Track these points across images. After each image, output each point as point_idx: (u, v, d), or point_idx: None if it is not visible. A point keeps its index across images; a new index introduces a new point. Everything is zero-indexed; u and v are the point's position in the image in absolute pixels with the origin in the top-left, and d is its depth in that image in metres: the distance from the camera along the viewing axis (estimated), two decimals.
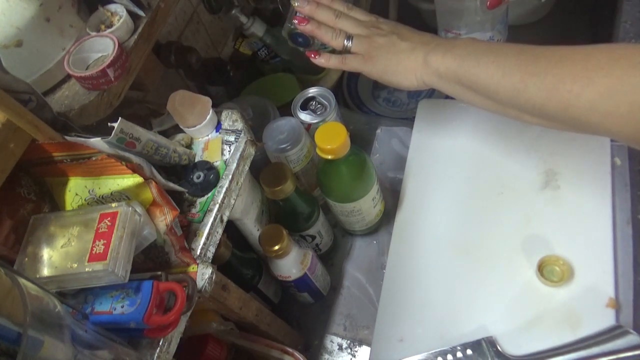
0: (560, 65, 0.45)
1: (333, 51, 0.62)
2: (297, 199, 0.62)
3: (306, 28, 0.61)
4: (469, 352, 0.56)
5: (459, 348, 0.56)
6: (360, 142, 0.82)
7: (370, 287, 0.69)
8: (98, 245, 0.39)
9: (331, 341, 0.67)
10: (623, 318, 0.54)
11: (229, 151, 0.51)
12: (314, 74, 0.83)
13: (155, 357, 0.40)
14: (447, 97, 0.82)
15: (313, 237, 0.68)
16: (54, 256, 0.40)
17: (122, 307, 0.39)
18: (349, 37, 0.59)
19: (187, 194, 0.49)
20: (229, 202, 0.49)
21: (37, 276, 0.39)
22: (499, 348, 0.55)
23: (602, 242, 0.58)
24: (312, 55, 0.62)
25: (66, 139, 0.43)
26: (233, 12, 0.71)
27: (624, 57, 0.41)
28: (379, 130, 0.82)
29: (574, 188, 0.63)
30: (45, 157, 0.44)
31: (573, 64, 0.44)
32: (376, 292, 0.68)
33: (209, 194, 0.48)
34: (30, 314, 0.28)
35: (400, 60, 0.57)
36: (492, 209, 0.66)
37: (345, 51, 0.60)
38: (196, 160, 0.52)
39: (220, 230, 0.48)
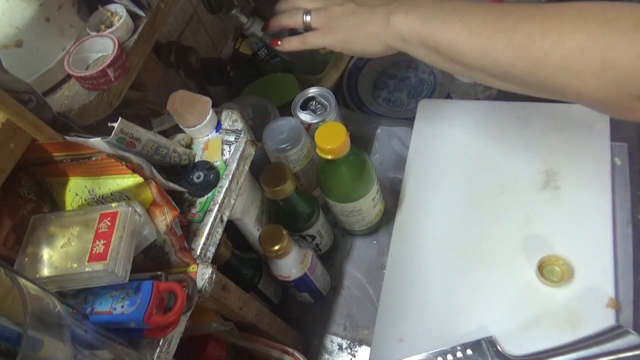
0: (531, 21, 0.43)
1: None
2: (297, 199, 0.62)
3: (272, 25, 0.61)
4: (469, 352, 0.56)
5: (459, 348, 0.56)
6: (360, 142, 0.81)
7: (370, 287, 0.69)
8: (98, 245, 0.39)
9: (331, 341, 0.67)
10: (623, 318, 0.54)
11: (229, 151, 0.51)
12: (314, 74, 0.83)
13: (155, 357, 0.40)
14: (447, 96, 0.83)
15: (313, 237, 0.68)
16: (54, 256, 0.40)
17: (122, 307, 0.39)
18: (307, 12, 0.58)
19: (187, 194, 0.49)
20: (229, 202, 0.49)
21: (37, 276, 0.39)
22: (499, 348, 0.55)
23: (602, 242, 0.58)
24: (274, 44, 0.62)
25: (66, 139, 0.43)
26: (233, 12, 0.71)
27: (596, 13, 0.40)
28: (379, 130, 0.82)
29: (574, 188, 0.63)
30: (45, 157, 0.44)
31: (543, 20, 0.42)
32: (376, 292, 0.68)
33: (209, 194, 0.48)
34: (30, 314, 0.28)
35: (361, 26, 0.55)
36: (492, 209, 0.66)
37: (307, 28, 0.59)
38: (196, 160, 0.52)
39: (220, 230, 0.48)
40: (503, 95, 0.77)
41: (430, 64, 0.53)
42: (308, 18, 0.58)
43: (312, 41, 0.59)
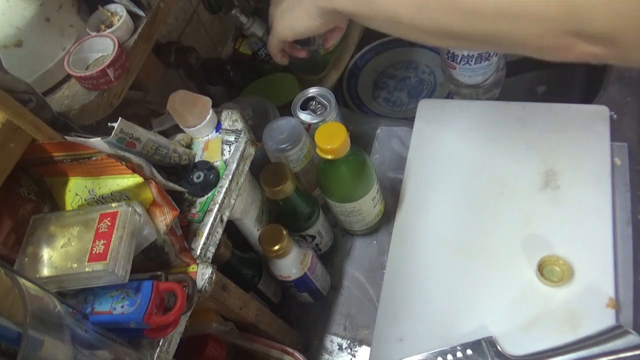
0: None
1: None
2: (297, 199, 0.62)
3: None
4: (469, 352, 0.56)
5: (459, 348, 0.56)
6: (360, 142, 0.82)
7: (370, 287, 0.69)
8: (98, 245, 0.39)
9: (331, 341, 0.67)
10: (623, 318, 0.54)
11: (229, 151, 0.51)
12: (314, 74, 0.83)
13: (155, 357, 0.40)
14: (447, 96, 0.83)
15: (313, 237, 0.68)
16: (54, 256, 0.40)
17: (122, 307, 0.39)
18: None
19: (187, 194, 0.49)
20: (229, 202, 0.49)
21: (37, 276, 0.39)
22: (499, 348, 0.55)
23: (602, 242, 0.58)
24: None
25: (66, 139, 0.43)
26: (233, 12, 0.71)
27: None
28: (379, 130, 0.82)
29: (574, 188, 0.63)
30: (45, 157, 0.44)
31: None
32: (376, 292, 0.68)
33: (209, 194, 0.48)
34: (30, 314, 0.28)
35: (294, 7, 0.55)
36: (492, 209, 0.66)
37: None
38: (196, 160, 0.52)
39: (220, 230, 0.48)
40: (504, 96, 0.77)
41: (371, 27, 0.52)
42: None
43: (270, 44, 0.62)
